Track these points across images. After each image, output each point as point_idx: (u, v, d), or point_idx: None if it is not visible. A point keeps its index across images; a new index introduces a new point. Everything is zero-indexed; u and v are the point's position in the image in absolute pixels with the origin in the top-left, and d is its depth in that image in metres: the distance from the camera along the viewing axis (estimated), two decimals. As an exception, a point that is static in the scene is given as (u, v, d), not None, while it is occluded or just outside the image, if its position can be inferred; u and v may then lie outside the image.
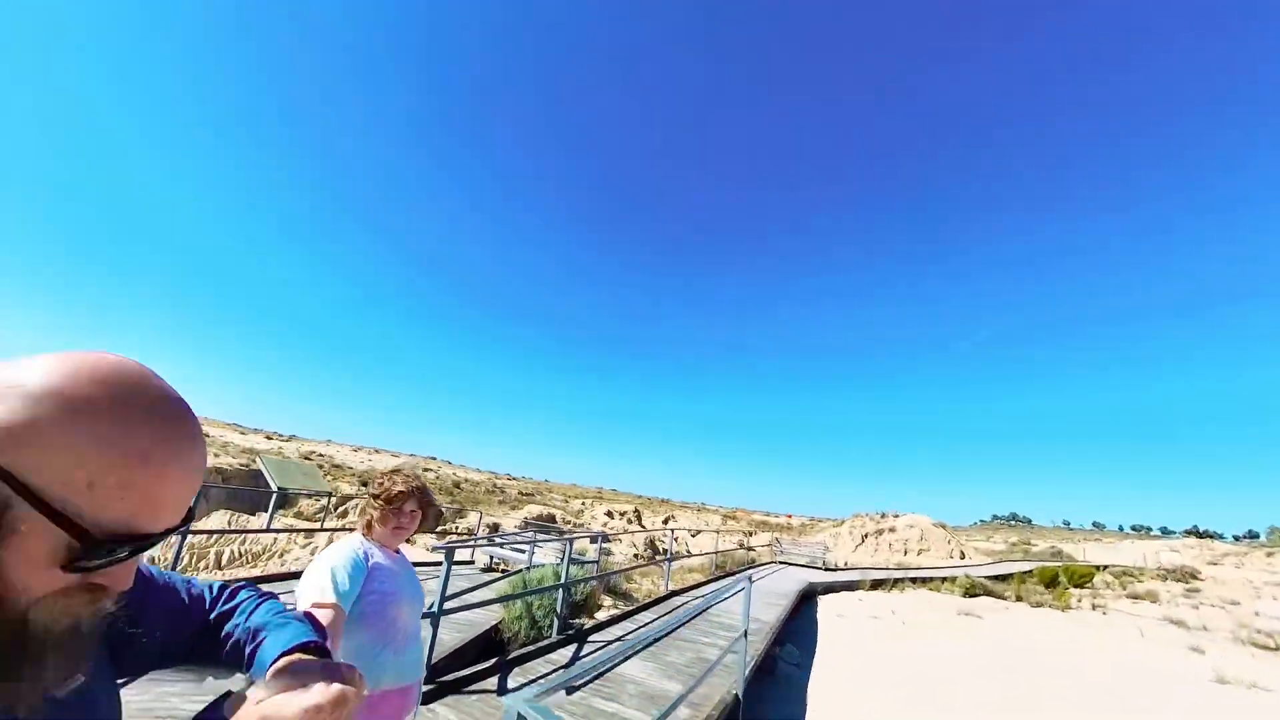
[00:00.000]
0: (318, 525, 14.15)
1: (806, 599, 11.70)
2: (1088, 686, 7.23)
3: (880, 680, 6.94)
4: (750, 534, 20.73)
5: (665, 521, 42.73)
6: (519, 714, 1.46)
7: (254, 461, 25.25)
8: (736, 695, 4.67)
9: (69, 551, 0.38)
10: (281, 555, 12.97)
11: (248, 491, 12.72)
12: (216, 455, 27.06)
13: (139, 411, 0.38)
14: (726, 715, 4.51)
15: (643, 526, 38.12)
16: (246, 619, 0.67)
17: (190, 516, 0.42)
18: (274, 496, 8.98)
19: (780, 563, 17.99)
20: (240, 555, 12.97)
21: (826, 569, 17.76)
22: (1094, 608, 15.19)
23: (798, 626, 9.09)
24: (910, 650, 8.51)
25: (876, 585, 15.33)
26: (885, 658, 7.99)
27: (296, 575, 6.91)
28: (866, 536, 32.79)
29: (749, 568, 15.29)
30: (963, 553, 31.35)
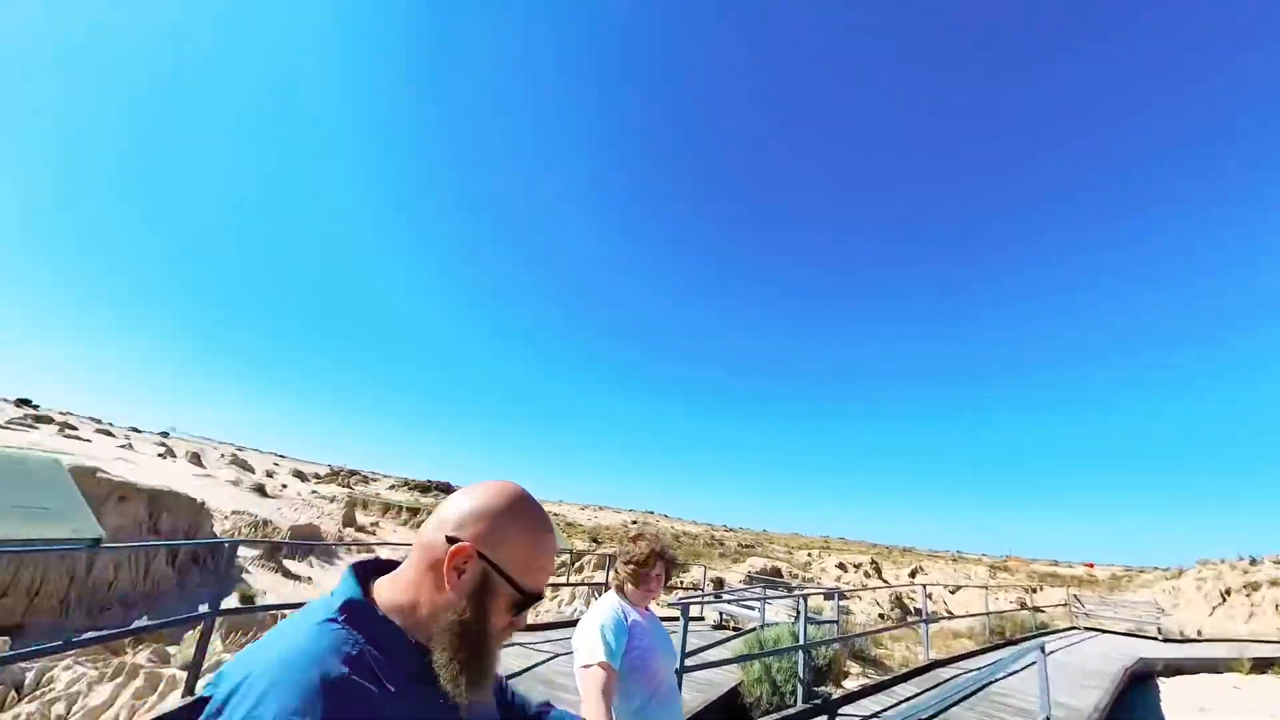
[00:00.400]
0: (563, 580, 15.94)
1: (1139, 681, 8.95)
2: None
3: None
4: (1033, 590, 16.64)
5: (912, 575, 37.37)
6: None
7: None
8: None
9: (514, 605, 0.72)
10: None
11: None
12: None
13: (540, 519, 0.75)
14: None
15: (884, 580, 33.94)
16: (512, 697, 0.96)
17: None
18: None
19: (1086, 629, 14.16)
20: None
21: (1166, 639, 13.39)
22: None
23: None
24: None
25: (1264, 666, 10.97)
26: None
27: (552, 625, 7.83)
28: (1229, 593, 23.88)
29: (1039, 634, 12.37)
30: None
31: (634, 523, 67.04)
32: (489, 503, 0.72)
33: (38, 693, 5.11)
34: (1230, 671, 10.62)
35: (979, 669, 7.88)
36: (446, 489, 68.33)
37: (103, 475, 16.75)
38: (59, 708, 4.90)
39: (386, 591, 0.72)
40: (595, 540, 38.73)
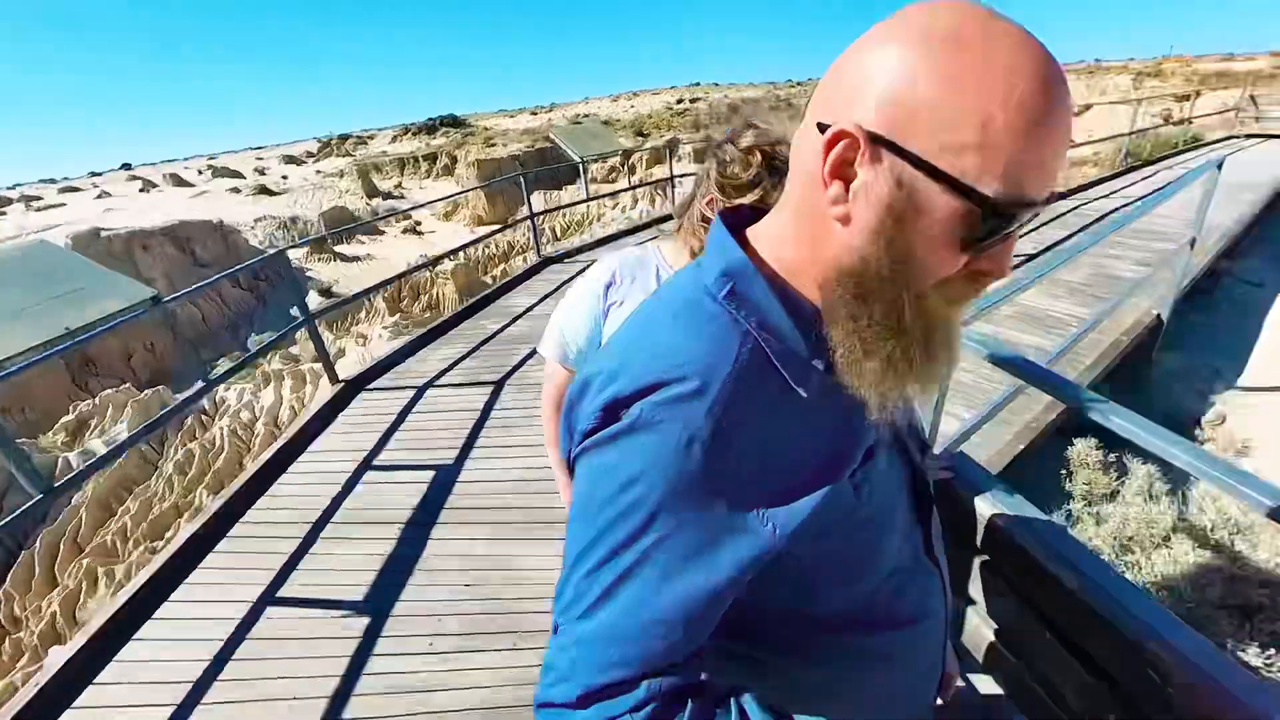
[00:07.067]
0: (625, 185, 16.63)
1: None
2: None
3: None
4: (1189, 96, 15.19)
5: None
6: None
7: (536, 142, 29.44)
8: (1159, 316, 4.41)
9: (966, 226, 0.40)
10: (596, 220, 16.11)
11: (547, 172, 15.54)
12: (504, 145, 32.64)
13: (1008, 48, 0.37)
14: (1140, 342, 4.38)
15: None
16: None
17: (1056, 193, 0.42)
18: (580, 165, 10.70)
19: (1248, 136, 13.56)
20: (566, 228, 16.67)
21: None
22: None
23: (1272, 235, 7.32)
24: None
25: None
26: None
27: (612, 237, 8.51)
28: None
29: (1185, 149, 12.21)
30: None
31: (679, 102, 63.85)
32: (902, 26, 0.39)
33: (223, 409, 6.75)
34: None
35: (1109, 197, 8.16)
36: (455, 123, 65.62)
37: (107, 232, 17.62)
38: (245, 415, 6.50)
39: (769, 246, 0.51)
40: (641, 134, 37.86)
